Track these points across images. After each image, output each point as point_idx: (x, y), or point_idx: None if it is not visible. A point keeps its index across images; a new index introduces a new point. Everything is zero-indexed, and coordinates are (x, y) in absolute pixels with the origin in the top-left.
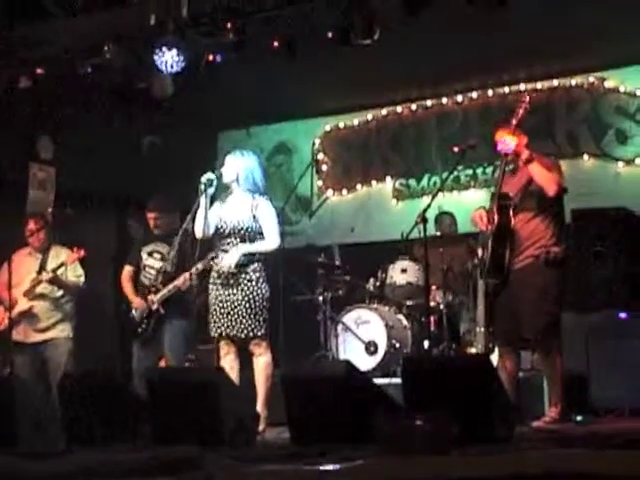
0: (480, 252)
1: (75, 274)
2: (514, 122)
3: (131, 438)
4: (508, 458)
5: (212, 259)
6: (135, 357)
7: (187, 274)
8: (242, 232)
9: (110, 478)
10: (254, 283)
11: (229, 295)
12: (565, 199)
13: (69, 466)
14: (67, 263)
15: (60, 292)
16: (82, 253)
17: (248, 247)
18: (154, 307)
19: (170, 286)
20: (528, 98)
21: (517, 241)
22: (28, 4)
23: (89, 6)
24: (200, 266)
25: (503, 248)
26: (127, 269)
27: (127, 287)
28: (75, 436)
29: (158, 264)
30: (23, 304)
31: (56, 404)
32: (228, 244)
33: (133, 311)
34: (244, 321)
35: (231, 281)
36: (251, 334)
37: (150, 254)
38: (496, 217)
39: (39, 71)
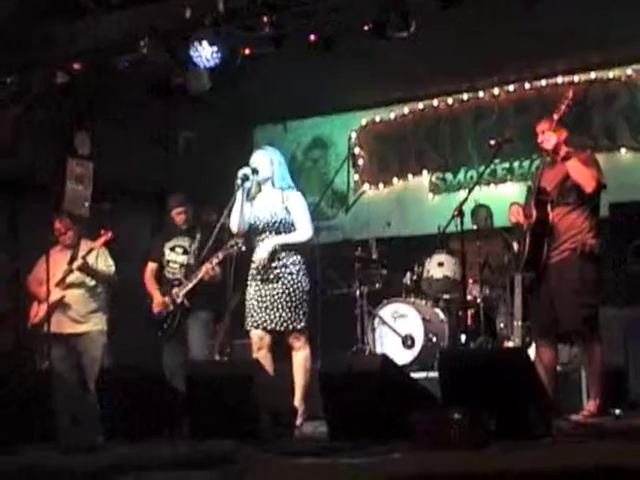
0: (516, 246)
1: (106, 264)
2: (555, 117)
3: (168, 432)
4: (546, 452)
5: (231, 247)
6: (164, 352)
7: (209, 264)
8: (276, 225)
9: (147, 472)
10: (294, 276)
11: (269, 289)
12: (602, 193)
13: (106, 460)
14: (95, 247)
15: (92, 282)
16: (109, 235)
17: (281, 238)
18: (178, 300)
19: (194, 279)
20: (571, 93)
21: (554, 235)
22: (64, 0)
23: (125, 1)
24: (220, 255)
25: (541, 242)
26: (150, 266)
27: (150, 284)
28: (112, 430)
29: (181, 258)
30: (56, 294)
31: (93, 398)
32: (262, 239)
33: (154, 308)
34: (284, 314)
35: (271, 276)
36: (291, 327)
37: (172, 249)
38: (534, 212)
39: (76, 66)
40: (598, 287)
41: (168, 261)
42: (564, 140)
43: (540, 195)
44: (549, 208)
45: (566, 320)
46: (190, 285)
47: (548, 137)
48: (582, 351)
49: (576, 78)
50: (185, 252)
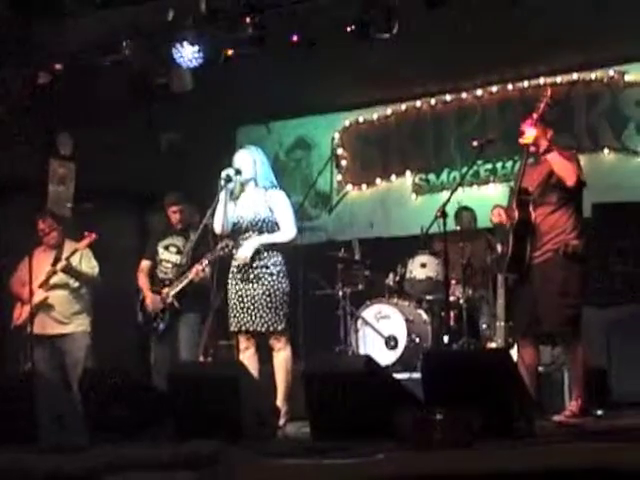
0: (500, 247)
1: (89, 265)
2: (535, 115)
3: (152, 433)
4: (528, 452)
5: (222, 249)
6: (152, 352)
7: (199, 266)
8: (259, 224)
9: (131, 472)
10: (274, 277)
11: (249, 290)
12: (585, 193)
13: (90, 461)
14: (80, 249)
15: (76, 283)
16: (93, 236)
17: (264, 238)
18: (168, 301)
19: (183, 279)
20: (550, 92)
21: (537, 235)
22: (46, 0)
23: (107, 2)
24: (210, 256)
25: (523, 243)
26: (144, 263)
27: (143, 282)
28: (96, 431)
29: (174, 258)
30: (39, 295)
31: (77, 399)
32: (246, 239)
33: (147, 306)
34: (264, 315)
35: (251, 276)
36: (271, 328)
37: (166, 248)
38: (516, 212)
39: (58, 67)
40: (581, 288)
41: (161, 260)
42: (549, 138)
43: (522, 195)
44: (531, 208)
45: (549, 321)
46: (180, 286)
47: (528, 131)
48: (564, 352)
49: (558, 79)
50: (179, 252)
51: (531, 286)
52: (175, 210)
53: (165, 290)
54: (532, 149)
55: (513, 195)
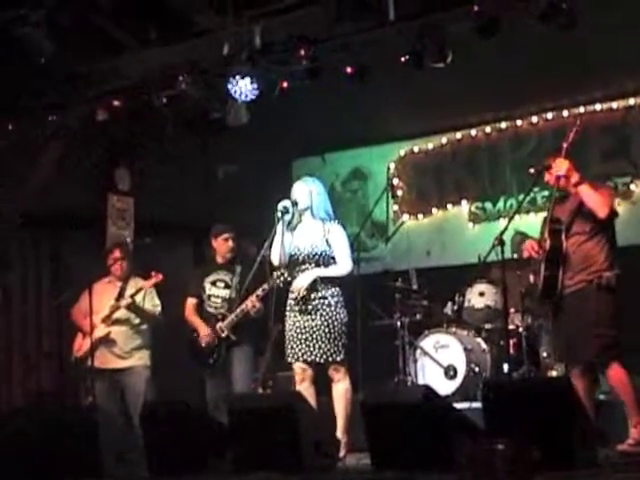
0: (532, 278)
1: (152, 303)
2: (565, 145)
3: (212, 465)
4: None
5: (277, 278)
6: (208, 386)
7: (254, 297)
8: (316, 257)
9: None
10: (332, 308)
11: (307, 321)
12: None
13: None
14: (145, 288)
15: (138, 319)
16: (160, 277)
17: (320, 271)
18: (223, 334)
19: (237, 311)
20: (579, 121)
21: (569, 264)
22: (104, 37)
23: (163, 38)
24: (266, 287)
25: (556, 271)
26: (190, 301)
27: (194, 318)
28: (157, 465)
29: (223, 292)
30: (101, 330)
31: (138, 433)
32: (303, 271)
33: (201, 341)
34: (323, 346)
35: (309, 307)
36: (330, 359)
37: (213, 283)
38: (548, 241)
39: (116, 103)
40: (615, 316)
41: (209, 295)
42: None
43: (554, 224)
44: (563, 237)
45: (583, 350)
46: (235, 318)
47: (558, 165)
48: (607, 380)
49: (614, 104)
50: (227, 286)
51: (565, 315)
52: (227, 238)
53: (219, 324)
54: (562, 182)
55: (545, 226)
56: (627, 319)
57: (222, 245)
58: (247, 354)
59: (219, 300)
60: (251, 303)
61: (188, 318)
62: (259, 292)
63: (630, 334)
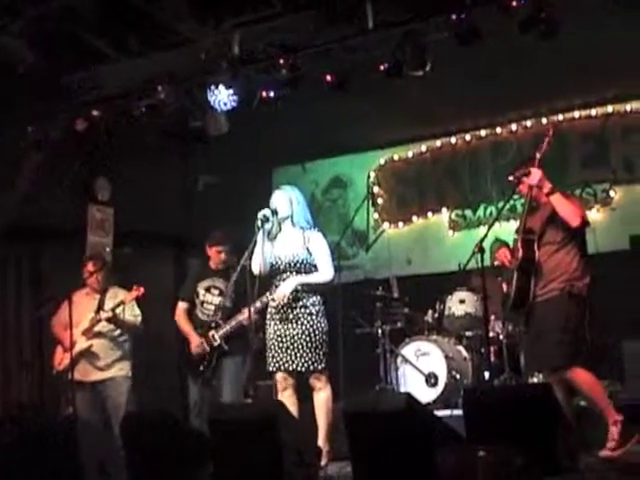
0: (505, 287)
1: (133, 314)
2: (538, 156)
3: (194, 475)
4: None
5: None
6: (191, 394)
7: (252, 308)
8: (297, 265)
9: None
10: (314, 317)
11: (288, 330)
12: (622, 225)
13: None
14: (126, 301)
15: (118, 331)
16: (141, 290)
17: (302, 278)
18: (216, 343)
19: (233, 322)
20: (551, 131)
21: (541, 274)
22: (84, 47)
23: (142, 47)
24: (259, 304)
25: (527, 281)
26: (182, 305)
27: (184, 324)
28: (138, 476)
29: (217, 300)
30: (82, 343)
31: (118, 443)
32: (284, 279)
33: (192, 349)
34: (304, 355)
35: (290, 316)
36: (311, 368)
37: (208, 290)
38: (520, 251)
39: (95, 113)
40: (583, 325)
41: (203, 302)
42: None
43: (526, 234)
44: (535, 247)
45: (545, 357)
46: (229, 328)
47: (534, 172)
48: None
49: (593, 112)
50: (221, 293)
51: (535, 323)
52: (220, 250)
53: (212, 333)
54: (534, 192)
55: (518, 235)
56: (605, 324)
57: (215, 256)
58: (237, 364)
59: (212, 307)
60: (248, 315)
61: (178, 323)
62: (257, 303)
63: (606, 339)
